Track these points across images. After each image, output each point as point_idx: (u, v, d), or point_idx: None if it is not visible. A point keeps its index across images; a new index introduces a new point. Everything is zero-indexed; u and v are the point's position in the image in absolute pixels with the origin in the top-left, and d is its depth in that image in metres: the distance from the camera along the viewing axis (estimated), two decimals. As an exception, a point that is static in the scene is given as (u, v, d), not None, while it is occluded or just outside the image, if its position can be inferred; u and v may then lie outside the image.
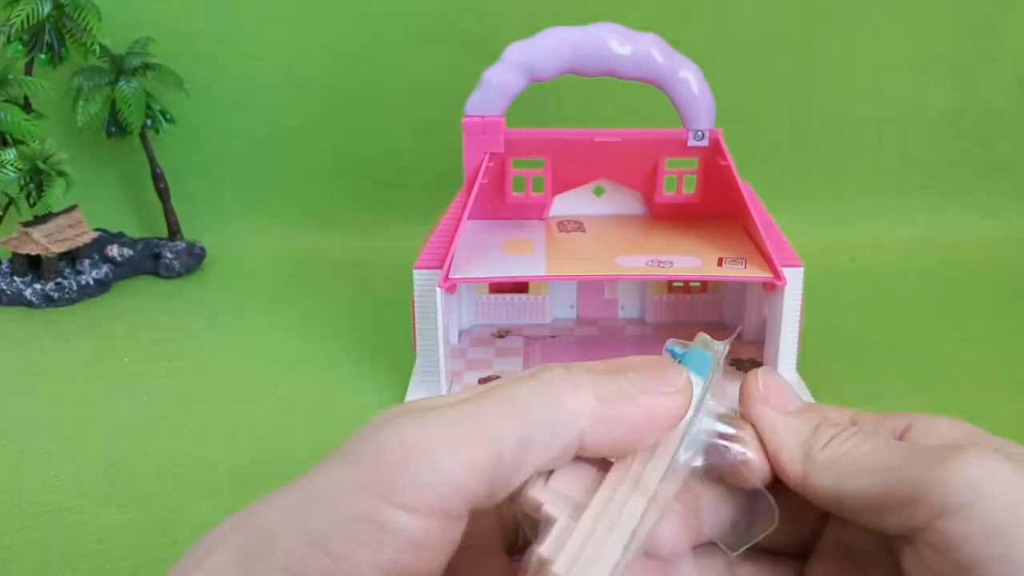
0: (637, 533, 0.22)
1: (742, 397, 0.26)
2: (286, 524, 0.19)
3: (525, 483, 0.22)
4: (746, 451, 0.25)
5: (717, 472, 0.25)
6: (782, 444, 0.24)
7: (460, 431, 0.20)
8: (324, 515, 0.19)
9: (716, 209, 0.66)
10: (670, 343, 0.26)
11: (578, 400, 0.21)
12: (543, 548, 0.21)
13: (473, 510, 0.20)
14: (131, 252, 0.87)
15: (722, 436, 0.25)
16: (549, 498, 0.22)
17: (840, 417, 0.25)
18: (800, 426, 0.24)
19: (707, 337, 0.26)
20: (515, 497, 0.22)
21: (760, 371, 0.26)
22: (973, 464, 0.20)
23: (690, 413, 0.24)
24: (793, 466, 0.24)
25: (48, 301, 0.80)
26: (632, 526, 0.22)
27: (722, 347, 0.26)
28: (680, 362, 0.25)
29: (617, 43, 0.59)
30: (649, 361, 0.24)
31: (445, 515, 0.20)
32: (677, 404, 0.23)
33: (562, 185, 0.66)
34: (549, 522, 0.22)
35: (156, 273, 0.88)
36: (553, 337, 0.70)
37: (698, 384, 0.25)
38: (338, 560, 0.19)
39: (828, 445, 0.23)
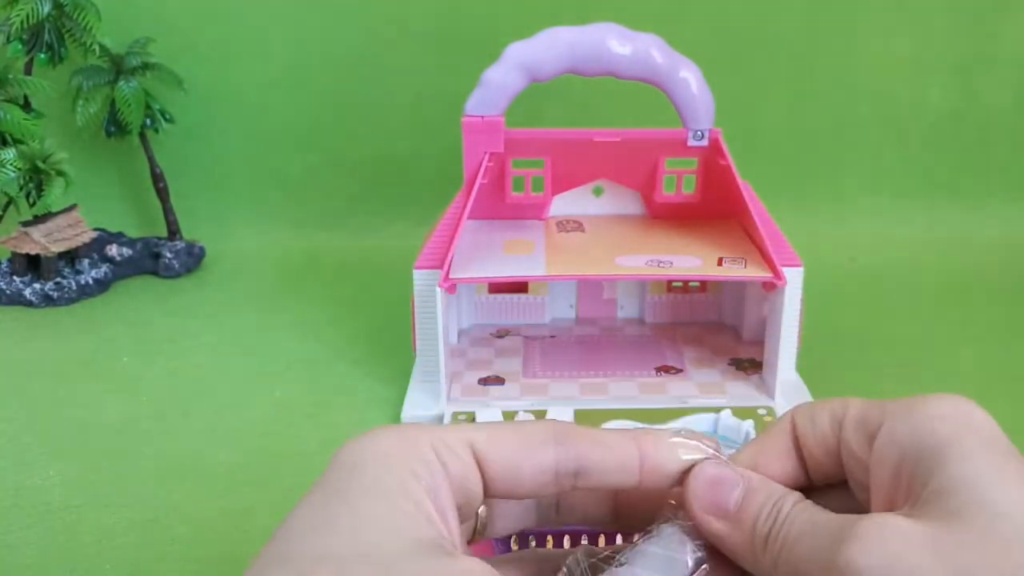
0: None
1: (685, 500, 0.26)
2: None
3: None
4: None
5: None
6: (735, 552, 0.25)
7: None
8: None
9: (716, 209, 0.66)
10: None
11: None
12: None
13: None
14: (130, 252, 0.87)
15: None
16: None
17: (780, 471, 0.27)
18: (744, 527, 0.25)
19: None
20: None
21: (693, 474, 0.26)
22: (858, 551, 0.21)
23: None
24: (755, 566, 0.25)
25: (47, 301, 0.80)
26: None
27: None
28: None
29: (617, 43, 0.59)
30: None
31: None
32: None
33: (562, 185, 0.66)
34: None
35: (155, 273, 0.88)
36: (552, 337, 0.70)
37: None
38: None
39: (772, 532, 0.24)
